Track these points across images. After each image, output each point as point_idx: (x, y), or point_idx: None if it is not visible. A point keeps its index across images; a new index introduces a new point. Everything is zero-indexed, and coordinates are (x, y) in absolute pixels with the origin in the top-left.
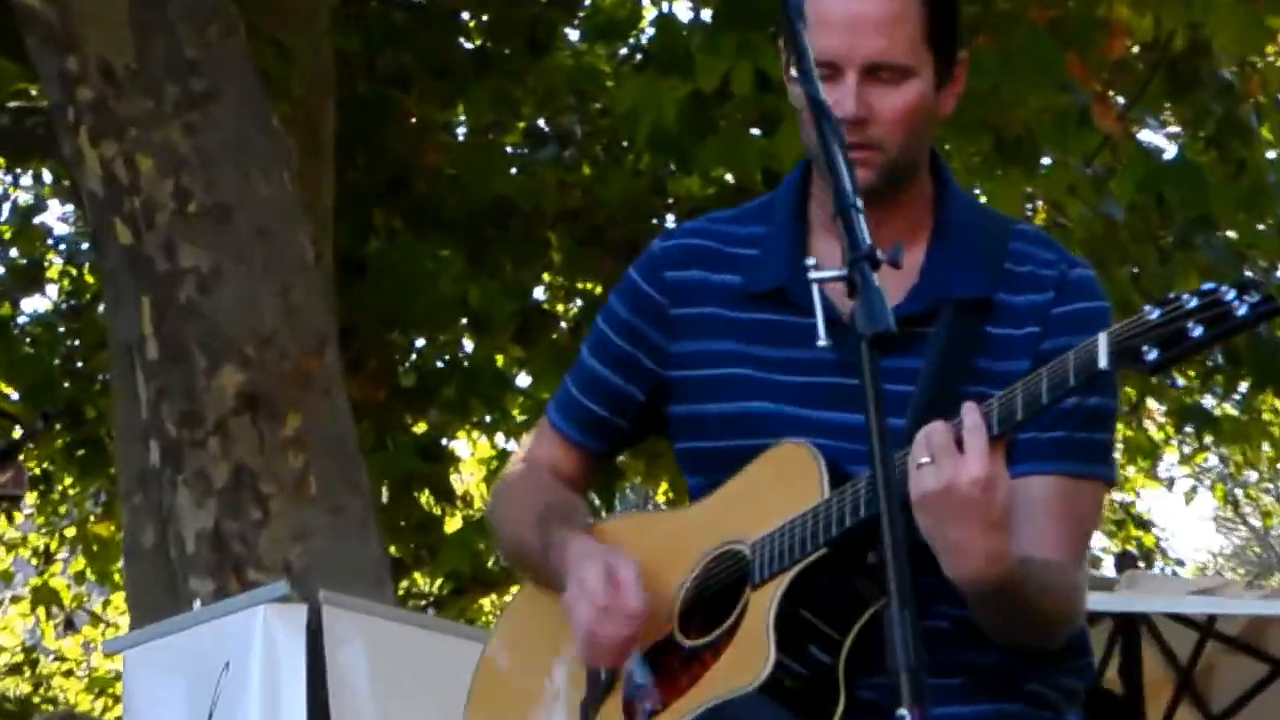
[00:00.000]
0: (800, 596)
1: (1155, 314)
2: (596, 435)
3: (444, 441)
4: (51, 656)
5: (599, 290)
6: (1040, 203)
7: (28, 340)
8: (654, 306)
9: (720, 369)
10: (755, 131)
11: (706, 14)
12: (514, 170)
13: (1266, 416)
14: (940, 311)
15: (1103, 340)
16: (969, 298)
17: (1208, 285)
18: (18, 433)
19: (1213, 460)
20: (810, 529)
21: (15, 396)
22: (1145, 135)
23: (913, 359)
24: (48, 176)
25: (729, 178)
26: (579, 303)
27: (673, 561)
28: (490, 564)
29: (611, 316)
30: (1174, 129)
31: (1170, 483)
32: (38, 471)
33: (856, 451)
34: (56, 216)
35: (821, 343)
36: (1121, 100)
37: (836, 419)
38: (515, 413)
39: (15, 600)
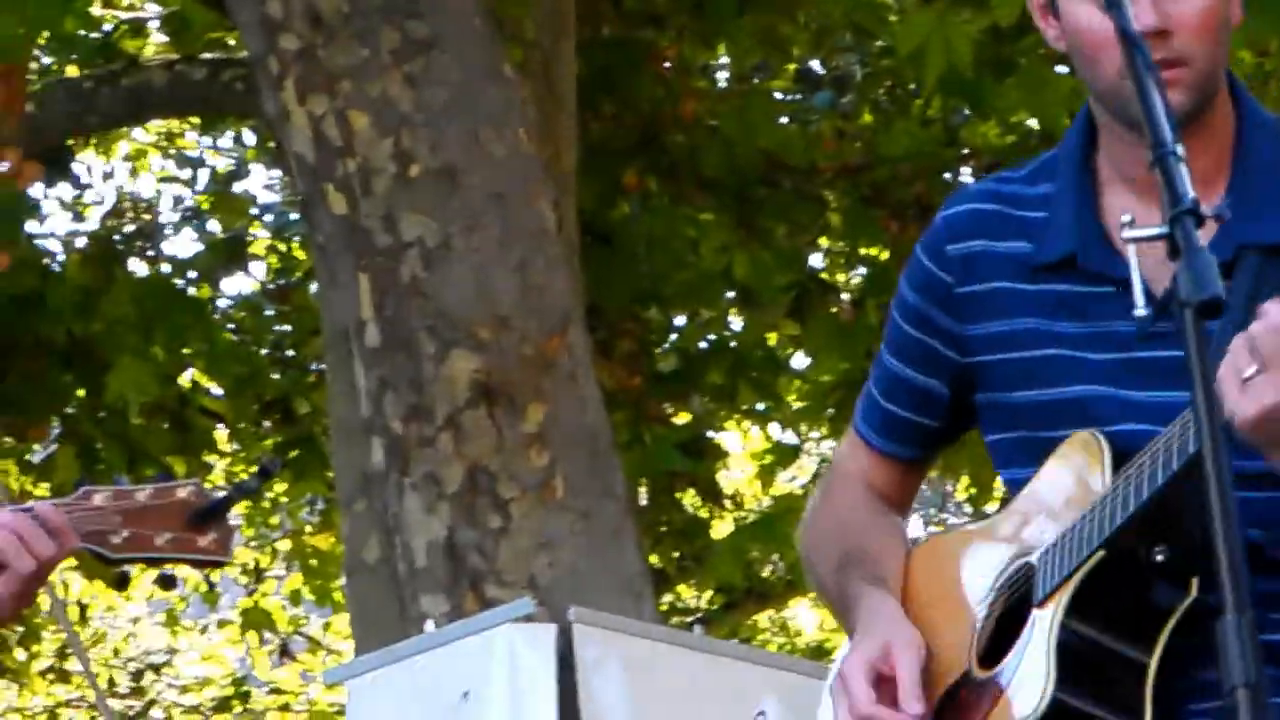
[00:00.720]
0: (1087, 611)
1: None
2: (905, 440)
3: (709, 433)
4: (265, 689)
5: (884, 257)
6: None
7: (231, 326)
8: (941, 286)
9: (1025, 351)
10: (1061, 69)
11: None
12: (784, 120)
13: None
14: (1242, 259)
15: None
16: (1276, 243)
17: None
18: (223, 433)
19: None
20: (1087, 530)
21: (218, 391)
22: None
23: None
24: (249, 138)
25: (1032, 123)
26: (861, 272)
27: (974, 585)
28: (766, 574)
29: (901, 303)
30: None
31: None
32: (244, 477)
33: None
34: (260, 184)
35: (1139, 313)
36: None
37: (1156, 399)
38: (790, 399)
39: (223, 625)
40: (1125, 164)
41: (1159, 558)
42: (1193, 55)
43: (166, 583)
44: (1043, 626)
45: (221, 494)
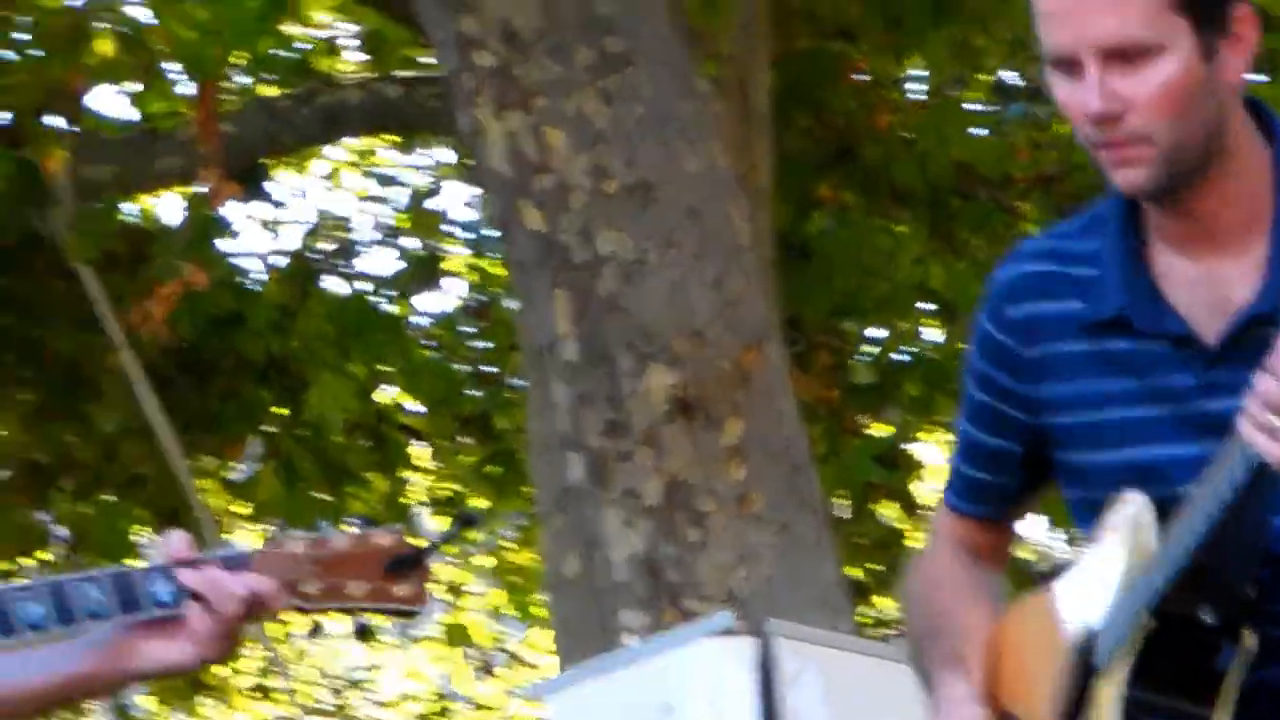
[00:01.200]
0: (1148, 679)
1: None
2: (988, 501)
3: (906, 445)
4: (467, 705)
5: None
6: None
7: (429, 343)
8: (1004, 351)
9: (1086, 414)
10: (1257, 78)
11: None
12: (978, 131)
13: None
14: None
15: None
16: None
17: None
18: (422, 449)
19: None
20: (1138, 596)
21: (417, 409)
22: None
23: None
24: (446, 155)
25: None
26: None
27: (1051, 653)
28: None
29: (970, 368)
30: None
31: None
32: (445, 494)
33: None
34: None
35: None
36: None
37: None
38: None
39: (424, 641)
40: (1153, 217)
41: (1207, 619)
42: (1154, 131)
43: (364, 634)
44: (1108, 695)
45: (422, 544)
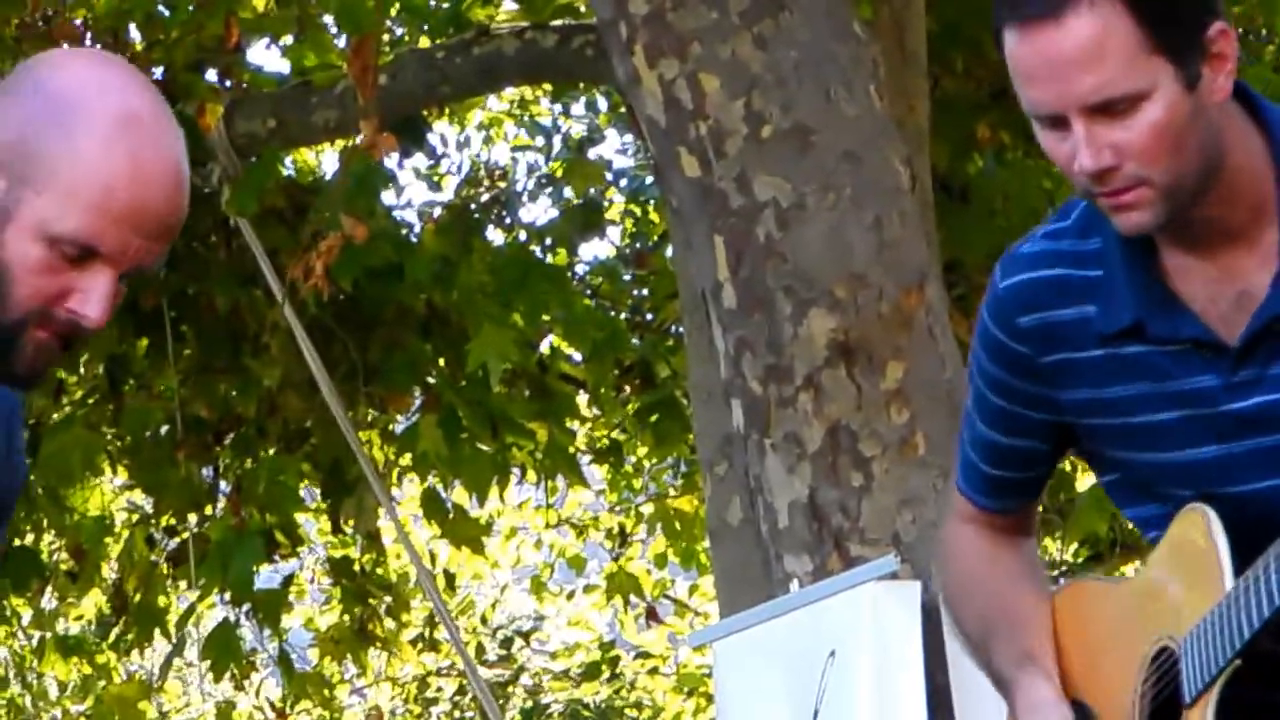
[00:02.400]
0: (1237, 714)
1: None
2: (1010, 495)
3: None
4: (633, 653)
5: None
6: None
7: (589, 291)
8: (1019, 358)
9: (1115, 418)
10: None
11: None
12: None
13: None
14: None
15: None
16: None
17: None
18: (583, 398)
19: None
20: (1220, 634)
21: (578, 357)
22: None
23: None
24: (602, 104)
25: None
26: None
27: (1123, 657)
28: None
29: (983, 373)
30: None
31: None
32: (606, 443)
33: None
34: (614, 149)
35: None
36: None
37: (1250, 447)
38: None
39: (589, 590)
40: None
41: None
42: (1151, 174)
43: None
44: None
45: None
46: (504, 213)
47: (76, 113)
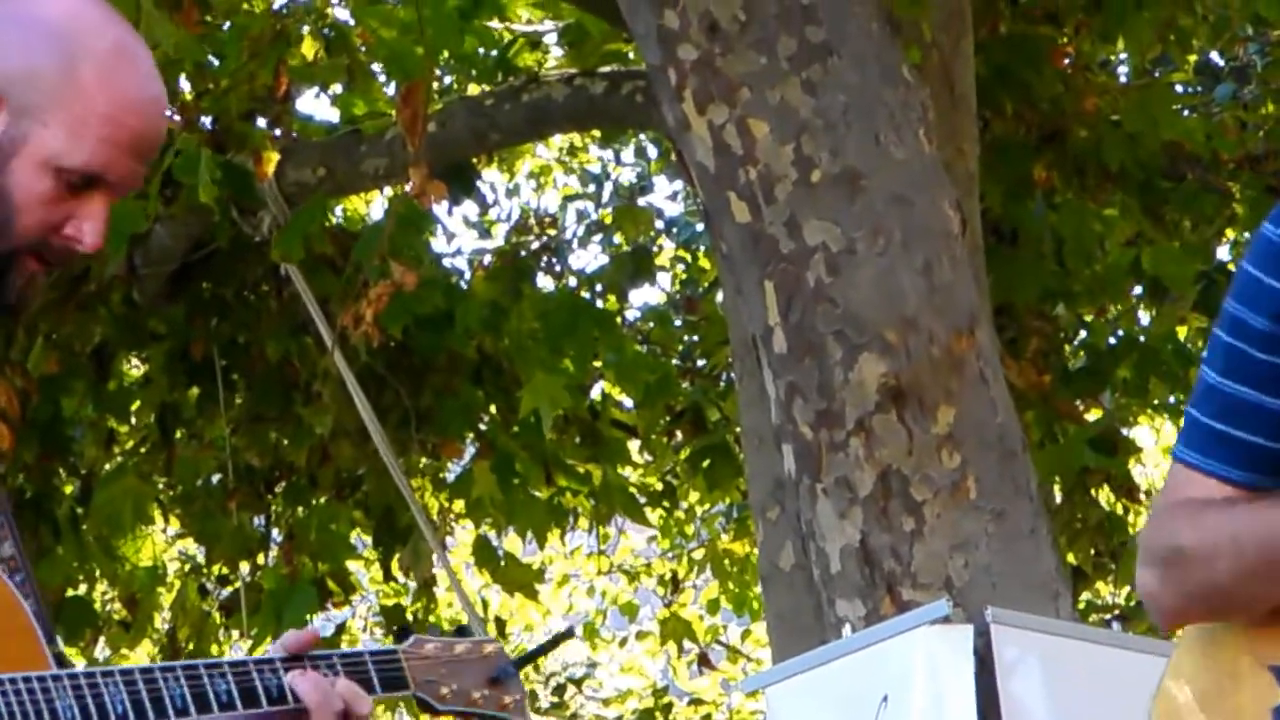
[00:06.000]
0: None
1: None
2: (1265, 468)
3: (1122, 429)
4: (685, 699)
5: None
6: None
7: (639, 337)
8: None
9: None
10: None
11: None
12: (1185, 112)
13: None
14: None
15: None
16: None
17: None
18: (634, 446)
19: None
20: None
21: (629, 403)
22: None
23: None
24: (651, 151)
25: None
26: None
27: None
28: None
29: (1240, 328)
30: None
31: None
32: (658, 487)
33: None
34: (664, 195)
35: None
36: None
37: None
38: None
39: (642, 636)
40: None
41: None
42: None
43: None
44: None
45: (518, 656)
46: (554, 259)
47: (75, 45)
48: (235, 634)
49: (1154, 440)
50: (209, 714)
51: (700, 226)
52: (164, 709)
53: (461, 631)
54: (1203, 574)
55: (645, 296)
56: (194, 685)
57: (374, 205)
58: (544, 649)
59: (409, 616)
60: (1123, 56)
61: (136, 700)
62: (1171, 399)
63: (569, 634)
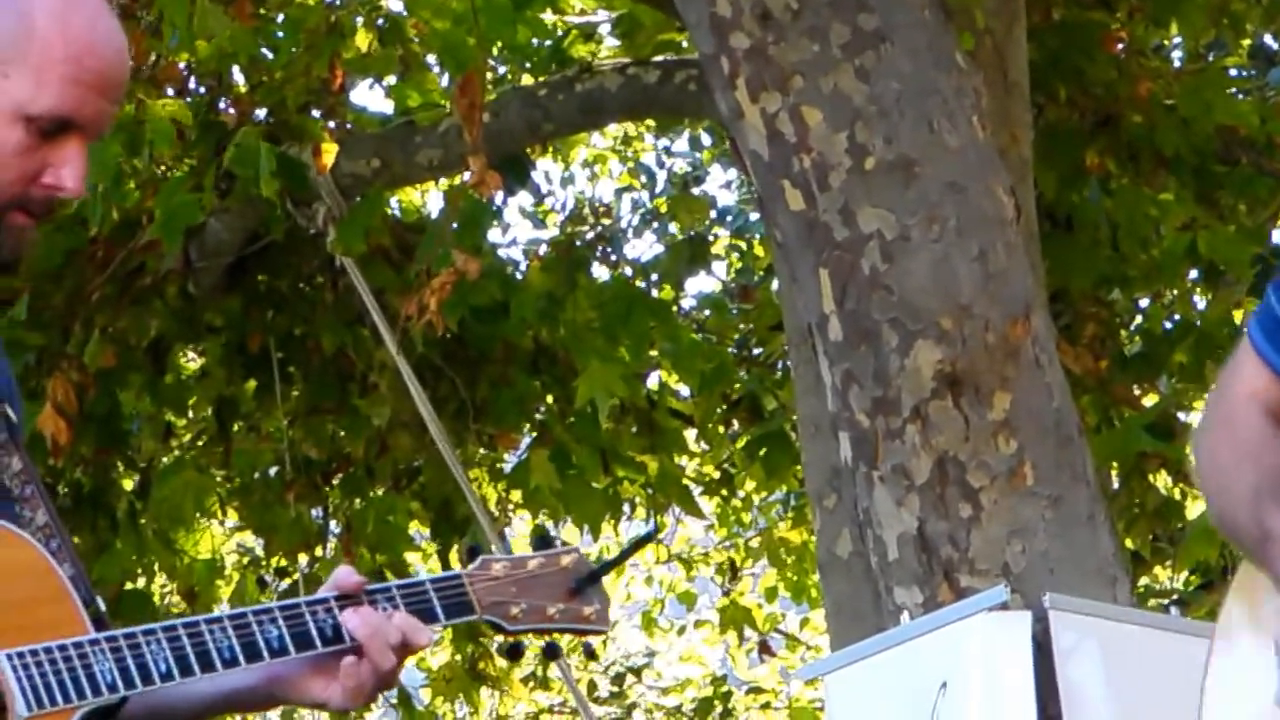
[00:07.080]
0: None
1: None
2: None
3: (1179, 413)
4: (744, 688)
5: None
6: None
7: (695, 326)
8: None
9: None
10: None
11: None
12: (1239, 96)
13: None
14: None
15: None
16: None
17: None
18: (690, 434)
19: None
20: None
21: (685, 392)
22: None
23: None
24: (705, 139)
25: None
26: None
27: None
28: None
29: None
30: None
31: None
32: (715, 475)
33: None
34: (718, 185)
35: None
36: None
37: None
38: None
39: (700, 625)
40: None
41: None
42: None
43: (514, 653)
44: None
45: (600, 562)
46: (609, 249)
47: None
48: None
49: None
50: (260, 661)
51: (755, 215)
52: (210, 662)
53: (544, 542)
54: (1202, 478)
55: (700, 285)
56: (242, 634)
57: (430, 197)
58: (626, 554)
59: None
60: (1176, 41)
61: (181, 656)
62: None
63: (651, 536)
